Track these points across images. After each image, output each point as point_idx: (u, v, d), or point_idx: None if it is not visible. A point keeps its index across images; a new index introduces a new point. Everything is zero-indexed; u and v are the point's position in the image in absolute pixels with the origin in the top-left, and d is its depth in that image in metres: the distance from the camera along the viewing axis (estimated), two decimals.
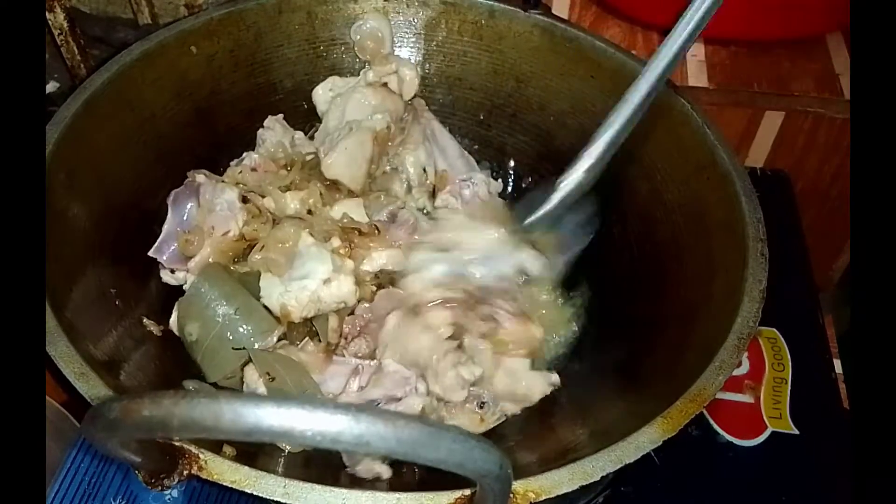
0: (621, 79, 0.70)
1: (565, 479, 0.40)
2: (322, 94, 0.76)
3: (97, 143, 0.60)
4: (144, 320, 0.60)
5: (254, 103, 0.74)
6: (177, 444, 0.39)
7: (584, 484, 0.40)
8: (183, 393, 0.24)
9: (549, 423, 0.56)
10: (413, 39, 0.77)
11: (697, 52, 0.91)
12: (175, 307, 0.61)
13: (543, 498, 0.39)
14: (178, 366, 0.59)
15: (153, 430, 0.25)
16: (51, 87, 0.89)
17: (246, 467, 0.40)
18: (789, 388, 0.71)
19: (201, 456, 0.39)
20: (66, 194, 0.56)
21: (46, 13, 0.81)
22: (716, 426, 0.69)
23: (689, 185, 0.64)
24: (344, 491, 0.39)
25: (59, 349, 0.44)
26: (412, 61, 0.77)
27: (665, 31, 0.91)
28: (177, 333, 0.61)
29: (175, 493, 0.65)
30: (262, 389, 0.55)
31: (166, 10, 0.95)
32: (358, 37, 0.76)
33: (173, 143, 0.67)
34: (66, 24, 0.84)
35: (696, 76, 0.87)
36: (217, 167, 0.70)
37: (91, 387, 0.43)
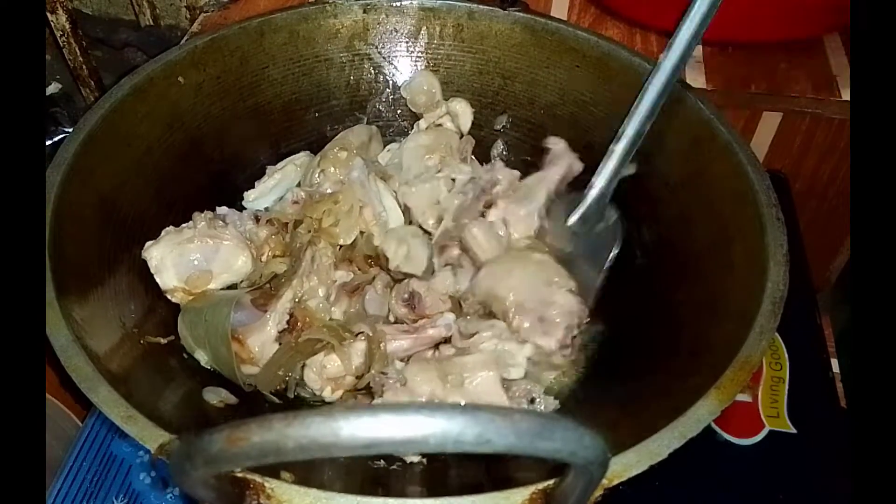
0: (607, 65, 0.71)
1: (634, 460, 0.40)
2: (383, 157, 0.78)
3: (98, 182, 0.59)
4: (150, 338, 0.58)
5: (245, 128, 0.73)
6: (240, 475, 0.39)
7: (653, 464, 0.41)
8: (294, 414, 0.24)
9: (590, 413, 0.56)
10: (395, 48, 0.77)
11: (695, 53, 0.91)
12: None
13: (616, 483, 0.40)
14: (191, 374, 0.58)
15: (264, 457, 0.24)
16: (52, 88, 0.88)
17: (315, 489, 0.39)
18: (787, 387, 0.71)
19: (267, 484, 0.39)
20: (74, 235, 0.54)
21: (48, 14, 0.81)
22: (714, 425, 0.68)
23: (689, 161, 0.64)
24: (417, 501, 0.39)
25: (101, 395, 0.43)
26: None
27: (663, 33, 0.93)
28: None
29: (176, 491, 0.65)
30: (327, 392, 0.56)
31: (168, 12, 0.95)
32: (408, 94, 0.77)
33: (171, 175, 0.66)
34: (67, 26, 0.84)
35: (694, 77, 0.87)
36: (215, 195, 0.69)
37: (140, 428, 0.42)
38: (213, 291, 0.61)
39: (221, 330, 0.56)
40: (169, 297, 0.61)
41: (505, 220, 0.66)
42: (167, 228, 0.62)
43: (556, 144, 0.70)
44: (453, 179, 0.70)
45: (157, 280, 0.60)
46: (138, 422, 0.42)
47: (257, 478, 0.39)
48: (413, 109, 0.78)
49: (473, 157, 0.76)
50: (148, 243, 0.61)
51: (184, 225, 0.63)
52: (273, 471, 0.41)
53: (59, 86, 0.89)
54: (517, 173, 0.71)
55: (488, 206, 0.68)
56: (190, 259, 0.60)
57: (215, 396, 0.54)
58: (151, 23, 0.94)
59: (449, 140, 0.73)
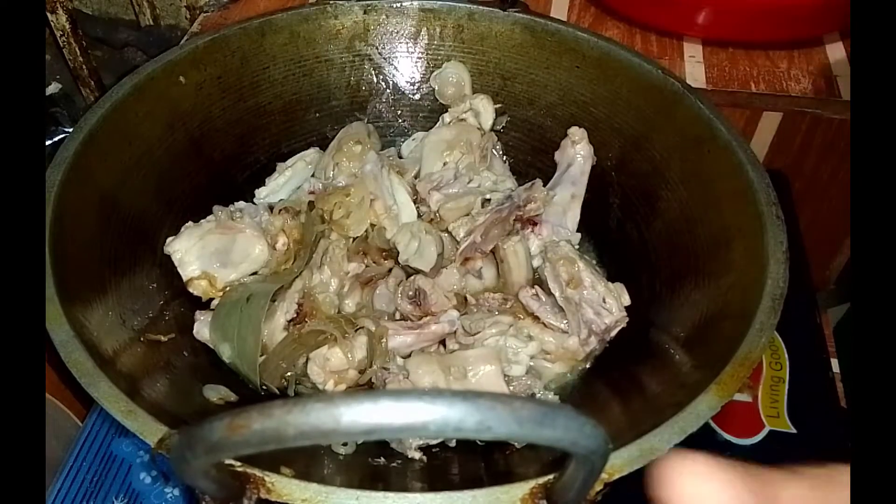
0: (607, 66, 0.71)
1: (635, 455, 0.40)
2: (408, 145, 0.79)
3: (99, 182, 0.59)
4: (150, 335, 0.58)
5: (245, 128, 0.73)
6: (240, 469, 0.39)
7: (653, 459, 0.40)
8: (294, 400, 0.24)
9: (591, 408, 0.56)
10: (395, 49, 0.78)
11: (695, 53, 0.92)
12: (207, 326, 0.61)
13: (616, 477, 0.40)
14: (191, 372, 0.58)
15: (265, 444, 0.24)
16: (52, 88, 0.88)
17: (315, 484, 0.39)
18: (787, 387, 0.71)
19: (267, 479, 0.39)
20: (74, 234, 0.54)
21: (48, 14, 0.82)
22: (714, 425, 0.69)
23: (690, 160, 0.64)
24: (417, 496, 0.39)
25: (102, 390, 0.43)
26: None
27: (663, 33, 0.93)
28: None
29: (176, 491, 0.65)
30: (329, 385, 0.56)
31: (168, 12, 0.95)
32: (437, 85, 0.78)
33: (171, 175, 0.66)
34: (67, 26, 0.85)
35: (694, 77, 0.87)
36: (215, 194, 0.69)
37: (141, 423, 0.42)
38: (247, 284, 0.62)
39: (255, 320, 0.57)
40: (191, 289, 0.62)
41: (546, 244, 0.67)
42: (186, 224, 0.64)
43: (578, 137, 0.71)
44: (488, 199, 0.70)
45: (181, 272, 0.61)
46: (139, 416, 0.42)
47: (257, 472, 0.39)
48: (440, 101, 0.78)
49: (495, 152, 0.76)
50: (168, 239, 0.63)
51: (203, 220, 0.64)
52: (273, 465, 0.41)
53: (59, 86, 0.89)
54: (553, 194, 0.71)
55: (520, 221, 0.68)
56: (211, 250, 0.62)
57: (215, 394, 0.54)
58: (151, 23, 0.94)
59: (470, 137, 0.73)
